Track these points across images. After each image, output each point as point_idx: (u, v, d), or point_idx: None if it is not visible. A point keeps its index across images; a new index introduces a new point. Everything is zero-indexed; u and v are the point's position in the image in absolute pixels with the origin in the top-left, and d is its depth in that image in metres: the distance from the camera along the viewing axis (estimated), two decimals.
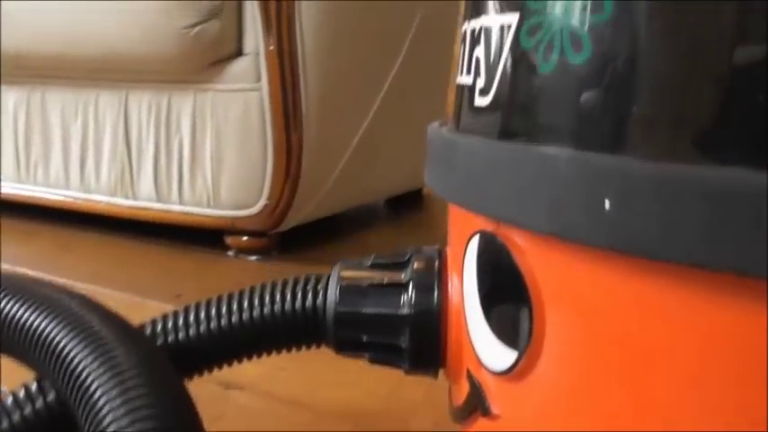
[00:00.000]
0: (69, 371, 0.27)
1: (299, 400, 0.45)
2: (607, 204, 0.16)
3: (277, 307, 0.30)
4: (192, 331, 0.30)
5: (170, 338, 0.30)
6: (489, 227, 0.22)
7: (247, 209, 0.79)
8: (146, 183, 0.84)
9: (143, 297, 0.65)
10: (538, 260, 0.20)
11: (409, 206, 1.14)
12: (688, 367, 0.17)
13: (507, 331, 0.22)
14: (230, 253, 0.83)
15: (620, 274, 0.18)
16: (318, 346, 0.31)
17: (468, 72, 0.23)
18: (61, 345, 0.28)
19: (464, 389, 0.27)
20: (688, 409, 0.17)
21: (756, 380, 0.16)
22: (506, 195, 0.20)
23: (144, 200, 0.85)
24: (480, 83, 0.22)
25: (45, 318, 0.29)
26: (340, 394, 0.45)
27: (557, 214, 0.18)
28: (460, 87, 0.25)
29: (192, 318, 0.31)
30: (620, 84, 0.17)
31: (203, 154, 0.79)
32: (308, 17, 0.74)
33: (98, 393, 0.26)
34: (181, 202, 0.82)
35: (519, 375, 0.22)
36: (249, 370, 0.32)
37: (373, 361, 0.30)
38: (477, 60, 0.22)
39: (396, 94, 0.92)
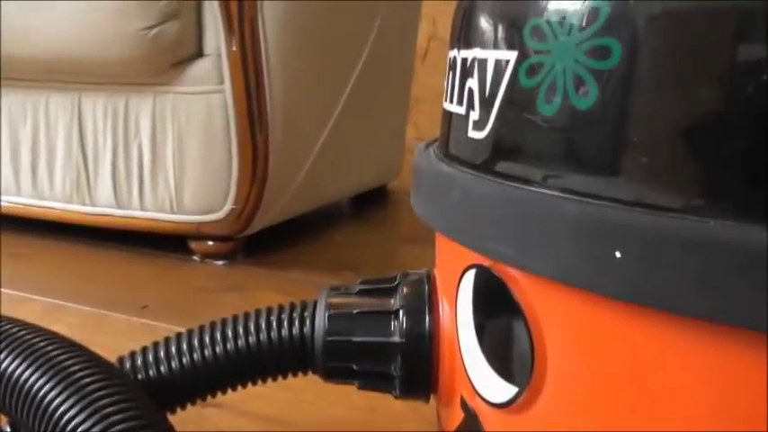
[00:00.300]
0: (44, 413, 0.26)
1: (278, 418, 0.44)
2: (618, 254, 0.16)
3: (263, 336, 0.29)
4: (174, 364, 0.29)
5: (151, 372, 0.29)
6: (486, 261, 0.22)
7: (213, 213, 0.77)
8: (104, 188, 0.81)
9: (107, 310, 0.63)
10: (538, 298, 0.20)
11: (374, 203, 1.14)
12: (691, 407, 0.17)
13: (506, 366, 0.22)
14: (195, 258, 0.81)
15: (625, 316, 0.18)
16: (305, 374, 0.31)
17: (460, 102, 0.23)
18: (32, 386, 0.27)
19: (457, 414, 0.26)
20: None
21: (758, 425, 0.16)
22: (506, 237, 0.19)
23: (103, 206, 0.81)
24: (474, 116, 0.22)
25: (12, 358, 0.28)
26: (320, 409, 0.45)
27: (561, 260, 0.18)
28: (449, 114, 0.25)
29: (173, 349, 0.30)
30: (626, 131, 0.16)
31: (165, 158, 0.77)
32: (271, 17, 0.72)
33: None
34: (142, 208, 0.79)
35: (519, 409, 0.22)
36: None
37: (363, 388, 0.29)
38: (471, 92, 0.22)
39: (360, 90, 0.91)
